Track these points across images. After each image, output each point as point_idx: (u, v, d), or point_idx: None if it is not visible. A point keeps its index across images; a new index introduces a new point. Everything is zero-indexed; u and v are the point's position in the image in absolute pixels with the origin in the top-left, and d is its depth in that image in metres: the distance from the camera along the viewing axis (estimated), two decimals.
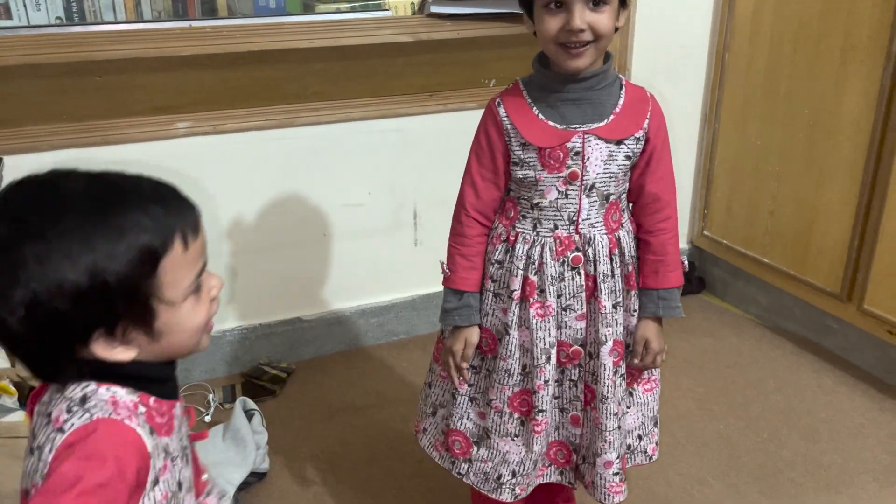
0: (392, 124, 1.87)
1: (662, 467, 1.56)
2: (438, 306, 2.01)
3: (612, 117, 1.09)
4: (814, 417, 1.74)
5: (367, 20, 1.65)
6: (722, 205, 2.18)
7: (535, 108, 1.10)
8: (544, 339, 1.14)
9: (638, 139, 1.11)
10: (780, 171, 1.97)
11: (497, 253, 1.17)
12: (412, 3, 1.71)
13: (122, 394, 0.72)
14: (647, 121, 1.11)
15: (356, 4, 1.64)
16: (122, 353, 0.70)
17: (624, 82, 1.13)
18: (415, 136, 1.90)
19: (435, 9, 1.68)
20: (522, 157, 1.11)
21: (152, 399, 0.74)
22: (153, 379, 0.74)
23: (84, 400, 0.69)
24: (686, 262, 1.20)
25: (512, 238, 1.15)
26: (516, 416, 1.19)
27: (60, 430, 0.68)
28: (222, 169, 1.75)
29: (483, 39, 1.79)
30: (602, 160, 1.10)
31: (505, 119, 1.11)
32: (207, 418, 1.73)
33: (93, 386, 0.70)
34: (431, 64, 1.81)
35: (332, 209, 1.90)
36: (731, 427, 1.72)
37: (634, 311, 1.18)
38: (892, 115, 1.66)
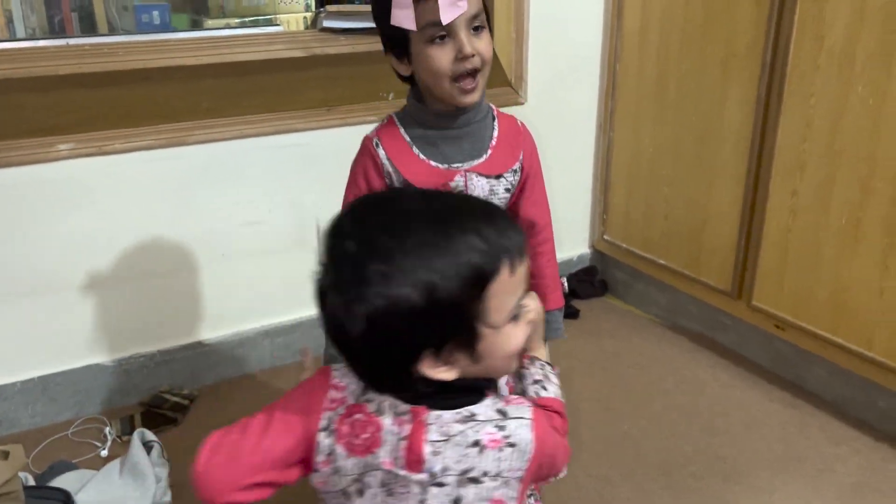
0: (290, 139, 1.84)
1: (571, 470, 1.58)
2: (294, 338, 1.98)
3: (489, 152, 1.11)
4: (711, 412, 1.82)
5: (258, 36, 1.62)
6: (620, 209, 2.25)
7: (414, 147, 1.09)
8: None
9: (515, 171, 1.13)
10: (673, 175, 2.05)
11: None
12: (304, 18, 1.69)
13: None
14: (521, 152, 1.13)
15: (246, 20, 1.61)
16: (444, 373, 0.73)
17: (496, 112, 1.14)
18: (315, 150, 1.87)
19: (328, 24, 1.67)
20: None
21: None
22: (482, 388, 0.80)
23: (504, 413, 0.77)
24: (565, 284, 1.24)
25: None
26: None
27: (510, 444, 0.75)
28: (111, 191, 1.68)
29: (379, 53, 1.77)
30: (483, 195, 1.10)
31: (385, 161, 1.09)
32: (104, 452, 1.65)
33: (500, 402, 0.78)
34: (328, 78, 1.80)
35: (231, 228, 1.84)
36: (635, 426, 1.77)
37: None
38: (770, 122, 1.75)
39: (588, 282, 2.36)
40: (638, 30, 2.05)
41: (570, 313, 2.19)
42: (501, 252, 0.71)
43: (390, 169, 1.09)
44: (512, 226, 0.74)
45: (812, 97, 1.64)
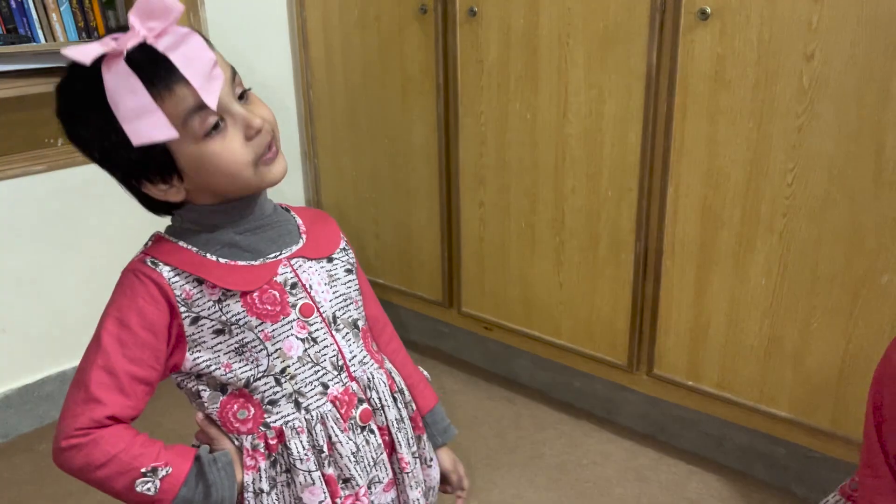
0: None
1: None
2: (40, 397, 1.81)
3: (304, 237, 0.88)
4: None
5: None
6: None
7: (209, 254, 0.81)
8: None
9: (345, 250, 0.93)
10: (377, 197, 2.10)
11: (262, 476, 0.82)
12: None
13: None
14: (337, 231, 0.94)
15: None
16: None
17: (286, 206, 0.93)
18: None
19: None
20: (227, 319, 0.80)
21: None
22: None
23: None
24: (427, 373, 1.05)
25: (273, 440, 0.82)
26: None
27: None
28: None
29: (34, 97, 1.61)
30: (326, 283, 0.87)
31: (175, 278, 0.79)
32: None
33: None
34: None
35: None
36: None
37: (431, 460, 0.98)
38: (451, 140, 1.86)
39: None
40: (324, 59, 2.08)
41: None
42: None
43: (186, 287, 0.79)
44: None
45: (482, 115, 1.77)
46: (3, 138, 1.64)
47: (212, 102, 0.74)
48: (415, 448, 0.94)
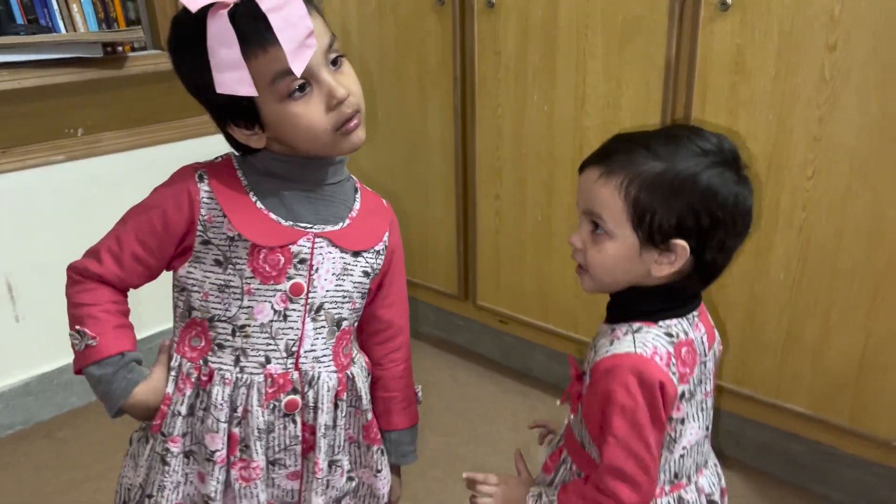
0: None
1: None
2: (59, 385, 1.82)
3: (347, 221, 0.90)
4: (451, 412, 1.88)
5: None
6: None
7: (252, 193, 0.86)
8: None
9: (378, 252, 0.93)
10: (393, 189, 2.10)
11: (184, 400, 0.88)
12: None
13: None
14: (388, 233, 0.95)
15: None
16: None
17: (358, 185, 0.95)
18: None
19: None
20: (230, 256, 0.85)
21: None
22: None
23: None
24: (420, 393, 1.06)
25: (205, 377, 0.87)
26: None
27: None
28: None
29: (54, 87, 1.63)
30: (335, 274, 0.88)
31: (207, 200, 0.84)
32: None
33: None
34: None
35: None
36: None
37: (378, 471, 0.99)
38: (468, 132, 1.85)
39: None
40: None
41: None
42: None
43: (213, 212, 0.84)
44: None
45: (499, 107, 1.77)
46: (24, 128, 1.65)
47: (298, 70, 0.77)
48: (339, 457, 0.93)
